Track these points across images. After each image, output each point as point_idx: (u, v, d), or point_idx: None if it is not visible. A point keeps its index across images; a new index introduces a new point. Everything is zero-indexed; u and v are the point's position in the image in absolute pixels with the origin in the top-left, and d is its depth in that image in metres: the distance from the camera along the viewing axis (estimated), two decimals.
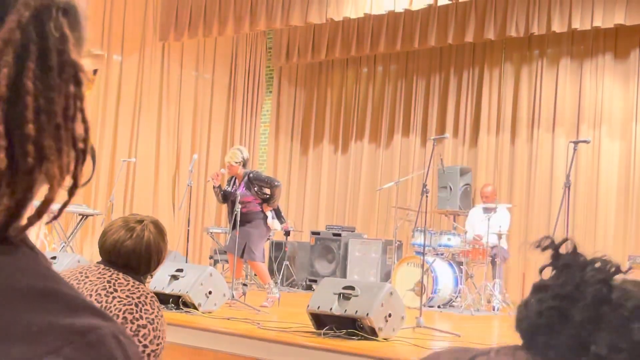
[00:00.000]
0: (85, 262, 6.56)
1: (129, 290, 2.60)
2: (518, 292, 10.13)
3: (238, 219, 7.62)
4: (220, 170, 7.95)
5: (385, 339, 5.73)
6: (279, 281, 10.17)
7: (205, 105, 12.41)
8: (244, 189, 7.82)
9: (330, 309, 5.79)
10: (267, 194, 7.90)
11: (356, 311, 5.69)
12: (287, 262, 10.48)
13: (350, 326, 5.75)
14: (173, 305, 6.76)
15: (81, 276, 2.66)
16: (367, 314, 5.63)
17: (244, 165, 7.89)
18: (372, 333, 5.69)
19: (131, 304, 2.55)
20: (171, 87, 11.95)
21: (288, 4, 10.01)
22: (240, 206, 7.68)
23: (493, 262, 9.13)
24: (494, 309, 8.80)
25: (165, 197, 11.60)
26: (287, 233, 10.35)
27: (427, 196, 6.78)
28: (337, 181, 12.18)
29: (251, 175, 7.89)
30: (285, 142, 12.78)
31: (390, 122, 11.73)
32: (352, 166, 12.05)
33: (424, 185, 6.73)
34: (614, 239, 9.51)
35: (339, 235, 10.47)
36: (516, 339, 1.06)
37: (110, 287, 2.59)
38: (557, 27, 9.46)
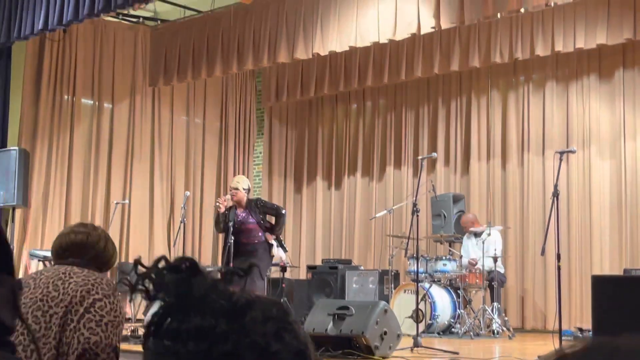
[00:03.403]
0: None
1: (84, 275, 2.71)
2: (518, 316, 10.09)
3: (232, 250, 7.61)
4: (226, 196, 7.97)
5: (382, 358, 5.69)
6: None
7: (197, 149, 12.46)
8: (249, 215, 7.83)
9: (325, 329, 5.77)
10: (269, 223, 7.94)
11: (351, 330, 5.67)
12: (285, 299, 10.41)
13: (347, 346, 5.72)
14: None
15: (37, 275, 2.77)
16: (363, 333, 5.61)
17: (247, 193, 7.99)
18: (368, 352, 5.66)
19: (87, 284, 2.66)
20: (163, 132, 12.02)
21: (274, 42, 10.13)
22: (232, 238, 7.68)
23: (491, 286, 9.11)
24: (493, 333, 8.75)
25: (161, 240, 11.59)
26: (283, 269, 10.30)
27: (417, 215, 6.80)
28: (332, 216, 12.18)
29: (259, 202, 7.96)
30: (279, 181, 12.82)
31: (382, 155, 11.78)
32: (346, 201, 12.06)
33: (414, 205, 6.75)
34: (610, 255, 9.49)
35: (336, 268, 10.44)
36: None
37: (66, 276, 2.70)
38: (541, 50, 9.58)
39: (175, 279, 1.03)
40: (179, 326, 1.00)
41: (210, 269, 1.08)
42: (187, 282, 1.02)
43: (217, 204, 7.99)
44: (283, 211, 8.15)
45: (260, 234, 7.88)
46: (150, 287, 1.04)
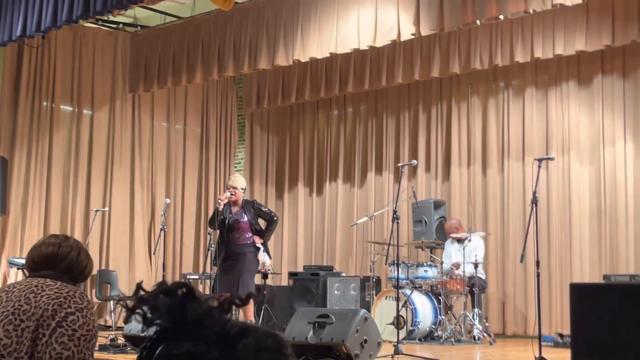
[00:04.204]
0: None
1: (57, 288, 2.67)
2: (499, 321, 10.11)
3: (212, 256, 7.63)
4: (227, 193, 8.06)
5: None
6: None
7: (178, 155, 12.41)
8: (243, 213, 7.92)
9: (306, 338, 5.76)
10: (259, 226, 8.05)
11: (332, 339, 5.66)
12: (267, 305, 10.39)
13: (327, 355, 5.71)
14: None
15: (9, 288, 2.74)
16: (343, 341, 5.60)
17: (243, 193, 8.14)
18: None
19: (59, 298, 2.63)
20: (143, 139, 11.95)
21: (255, 48, 10.11)
22: (213, 247, 7.70)
23: (472, 292, 9.13)
24: (475, 339, 8.77)
25: (142, 248, 11.53)
26: (265, 276, 10.28)
27: (397, 223, 6.80)
28: (314, 223, 12.17)
29: (255, 204, 8.04)
30: (260, 187, 12.79)
31: (363, 161, 11.79)
32: (328, 207, 12.06)
33: (394, 212, 6.76)
34: (590, 260, 9.54)
35: (317, 274, 10.43)
36: None
37: (38, 289, 2.67)
38: (520, 57, 9.62)
39: (169, 303, 1.03)
40: (170, 351, 1.00)
41: (208, 297, 1.08)
42: (181, 307, 1.02)
43: (219, 200, 8.04)
44: (276, 217, 8.28)
45: (249, 235, 7.96)
46: (147, 311, 1.05)
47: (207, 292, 9.98)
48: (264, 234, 8.11)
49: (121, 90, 11.67)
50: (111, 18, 10.95)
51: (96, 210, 10.13)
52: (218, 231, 8.02)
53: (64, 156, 11.11)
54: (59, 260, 2.79)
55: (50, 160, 10.93)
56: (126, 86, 11.62)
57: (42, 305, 2.58)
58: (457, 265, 9.23)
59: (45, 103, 10.99)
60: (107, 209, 10.98)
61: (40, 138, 10.87)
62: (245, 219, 7.96)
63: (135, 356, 3.16)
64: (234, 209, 8.04)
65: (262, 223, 8.32)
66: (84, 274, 2.89)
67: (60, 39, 11.06)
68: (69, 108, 11.33)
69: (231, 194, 7.99)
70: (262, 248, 8.04)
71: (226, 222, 7.92)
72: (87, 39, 11.40)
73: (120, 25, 11.73)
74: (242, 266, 7.85)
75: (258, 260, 8.10)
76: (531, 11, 8.45)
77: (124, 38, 11.69)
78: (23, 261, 9.47)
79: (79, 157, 11.21)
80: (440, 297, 9.01)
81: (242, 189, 8.11)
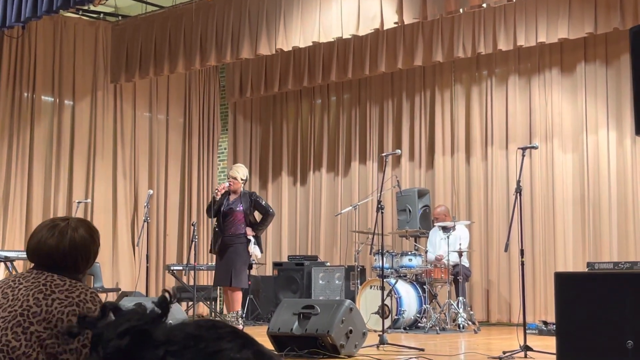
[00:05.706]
0: None
1: (67, 290, 2.50)
2: (483, 309, 10.15)
3: (195, 247, 7.62)
4: (225, 184, 8.11)
5: (348, 356, 5.68)
6: (244, 315, 10.06)
7: (161, 145, 12.33)
8: (239, 202, 7.98)
9: (291, 329, 5.74)
10: (254, 218, 8.10)
11: (317, 329, 5.65)
12: (252, 296, 10.38)
13: (312, 345, 5.70)
14: None
15: (14, 283, 2.54)
16: (328, 332, 5.59)
17: (244, 184, 8.19)
18: (334, 351, 5.64)
19: (72, 305, 2.46)
20: (125, 129, 11.87)
21: (237, 38, 10.06)
22: (197, 237, 7.69)
23: (456, 281, 9.15)
24: (459, 327, 8.79)
25: (125, 239, 11.46)
26: (249, 266, 10.26)
27: (382, 213, 6.79)
28: (298, 212, 12.15)
29: (253, 196, 8.21)
30: None
31: (347, 150, 11.77)
32: (312, 196, 12.04)
33: (379, 202, 6.74)
34: (573, 248, 9.58)
35: (302, 264, 10.43)
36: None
37: (47, 289, 2.48)
38: (503, 45, 9.62)
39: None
40: None
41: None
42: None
43: (216, 190, 8.11)
44: (272, 212, 8.33)
45: (242, 225, 8.02)
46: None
47: (192, 282, 9.95)
48: (257, 227, 8.16)
49: (103, 81, 11.58)
50: (92, 8, 10.86)
51: (78, 202, 10.06)
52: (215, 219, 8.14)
53: (46, 147, 11.03)
54: (60, 255, 2.57)
55: (32, 152, 10.84)
56: (108, 76, 11.53)
57: (55, 313, 2.43)
58: (440, 258, 9.22)
59: (26, 94, 10.90)
60: (89, 200, 10.92)
61: (21, 129, 10.77)
62: (240, 208, 8.04)
63: None
64: (232, 197, 8.15)
65: (257, 216, 8.37)
66: (91, 252, 2.63)
67: (40, 29, 10.96)
68: (50, 99, 11.23)
69: (229, 184, 8.07)
70: (252, 240, 8.07)
71: (222, 209, 8.00)
72: (68, 29, 11.30)
73: (102, 15, 11.64)
74: (233, 257, 7.91)
75: (248, 252, 8.12)
76: None
77: (105, 28, 11.59)
78: (6, 254, 9.42)
79: (60, 149, 11.13)
80: (424, 286, 9.03)
81: (242, 179, 8.18)
